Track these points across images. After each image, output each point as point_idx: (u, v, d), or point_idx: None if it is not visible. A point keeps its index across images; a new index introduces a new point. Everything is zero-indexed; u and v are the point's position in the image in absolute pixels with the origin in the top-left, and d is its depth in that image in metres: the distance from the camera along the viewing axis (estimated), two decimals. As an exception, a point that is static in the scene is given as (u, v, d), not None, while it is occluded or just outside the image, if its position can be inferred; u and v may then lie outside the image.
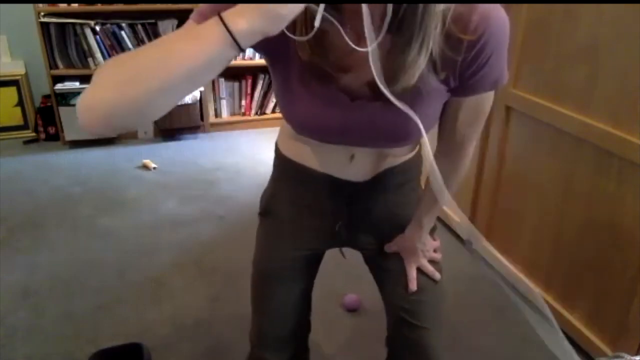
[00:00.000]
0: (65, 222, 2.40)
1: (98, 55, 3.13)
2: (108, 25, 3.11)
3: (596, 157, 1.55)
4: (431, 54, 0.68)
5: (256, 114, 3.66)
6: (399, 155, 0.95)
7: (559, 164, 1.71)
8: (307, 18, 0.66)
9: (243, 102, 3.61)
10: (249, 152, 3.25)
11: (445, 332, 1.00)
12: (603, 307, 1.59)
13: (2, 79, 3.13)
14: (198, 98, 3.35)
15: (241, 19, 0.57)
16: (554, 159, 1.72)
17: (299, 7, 0.57)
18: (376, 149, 0.90)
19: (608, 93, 1.49)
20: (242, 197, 2.65)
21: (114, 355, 1.49)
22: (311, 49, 0.70)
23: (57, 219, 2.42)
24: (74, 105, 3.06)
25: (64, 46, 3.08)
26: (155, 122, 3.24)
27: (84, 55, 3.13)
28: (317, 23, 0.60)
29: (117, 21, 3.13)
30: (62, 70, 3.11)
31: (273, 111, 3.67)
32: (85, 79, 3.14)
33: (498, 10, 0.69)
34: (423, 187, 1.00)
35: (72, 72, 3.13)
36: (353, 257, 1.10)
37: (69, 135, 3.14)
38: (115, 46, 3.14)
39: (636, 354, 1.05)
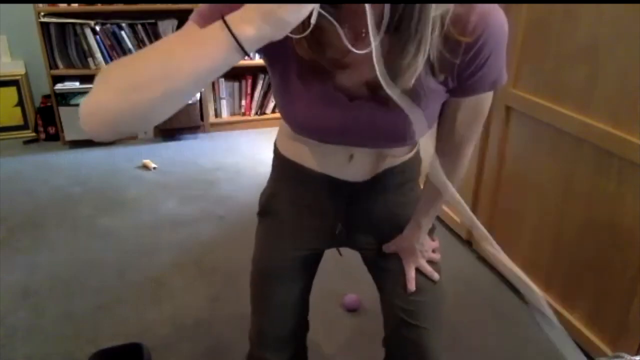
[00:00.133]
0: (65, 222, 2.40)
1: (98, 55, 3.13)
2: (108, 25, 3.10)
3: (596, 157, 1.55)
4: (429, 56, 0.68)
5: (256, 114, 3.66)
6: (398, 156, 0.95)
7: (559, 164, 1.70)
8: None
9: (243, 102, 3.61)
10: (249, 152, 3.25)
11: (445, 332, 1.00)
12: (603, 307, 1.59)
13: (2, 79, 3.13)
14: (198, 98, 3.35)
15: (247, 25, 0.56)
16: (554, 159, 1.72)
17: (305, 12, 0.56)
18: (375, 149, 0.90)
19: (608, 93, 1.49)
20: (242, 197, 2.65)
21: (114, 355, 1.49)
22: (309, 45, 0.69)
23: (57, 219, 2.42)
24: (74, 105, 3.06)
25: (64, 46, 3.08)
26: (156, 122, 3.24)
27: (84, 55, 3.13)
28: (313, 20, 0.60)
29: (117, 21, 3.12)
30: (62, 70, 3.11)
31: (273, 111, 3.67)
32: (85, 79, 3.14)
33: (496, 10, 0.69)
34: (422, 187, 1.00)
35: (72, 72, 3.13)
36: (353, 257, 1.10)
37: (69, 135, 3.14)
38: (115, 46, 3.14)
39: (636, 354, 1.05)
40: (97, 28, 3.08)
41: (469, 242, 2.23)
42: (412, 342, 0.97)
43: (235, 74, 3.51)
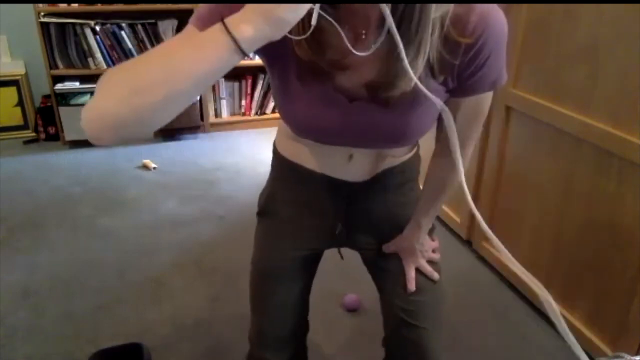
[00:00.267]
0: (65, 222, 2.40)
1: (98, 55, 3.13)
2: (108, 25, 3.10)
3: (596, 157, 1.55)
4: (429, 58, 0.68)
5: (256, 114, 3.66)
6: (397, 156, 0.95)
7: (559, 164, 1.70)
8: (304, 16, 0.66)
9: (243, 102, 3.61)
10: (249, 152, 3.25)
11: (445, 332, 1.00)
12: (603, 307, 1.59)
13: (2, 79, 3.13)
14: (198, 98, 3.35)
15: (245, 25, 0.56)
16: (554, 159, 1.72)
17: (302, 11, 0.56)
18: (375, 149, 0.90)
19: (608, 93, 1.49)
20: (242, 197, 2.65)
21: (114, 355, 1.49)
22: (309, 46, 0.70)
23: (57, 219, 2.42)
24: (74, 105, 3.06)
25: (64, 46, 3.08)
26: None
27: (84, 55, 3.13)
28: (313, 21, 0.60)
29: (117, 21, 3.12)
30: (62, 70, 3.11)
31: (273, 111, 3.67)
32: (86, 79, 3.14)
33: (496, 10, 0.69)
34: (421, 187, 1.00)
35: (72, 72, 3.13)
36: (353, 257, 1.10)
37: (69, 135, 3.14)
38: (115, 46, 3.14)
39: (636, 354, 1.05)
40: (97, 28, 3.08)
41: (469, 242, 2.23)
42: (412, 342, 0.97)
43: (235, 74, 3.51)
